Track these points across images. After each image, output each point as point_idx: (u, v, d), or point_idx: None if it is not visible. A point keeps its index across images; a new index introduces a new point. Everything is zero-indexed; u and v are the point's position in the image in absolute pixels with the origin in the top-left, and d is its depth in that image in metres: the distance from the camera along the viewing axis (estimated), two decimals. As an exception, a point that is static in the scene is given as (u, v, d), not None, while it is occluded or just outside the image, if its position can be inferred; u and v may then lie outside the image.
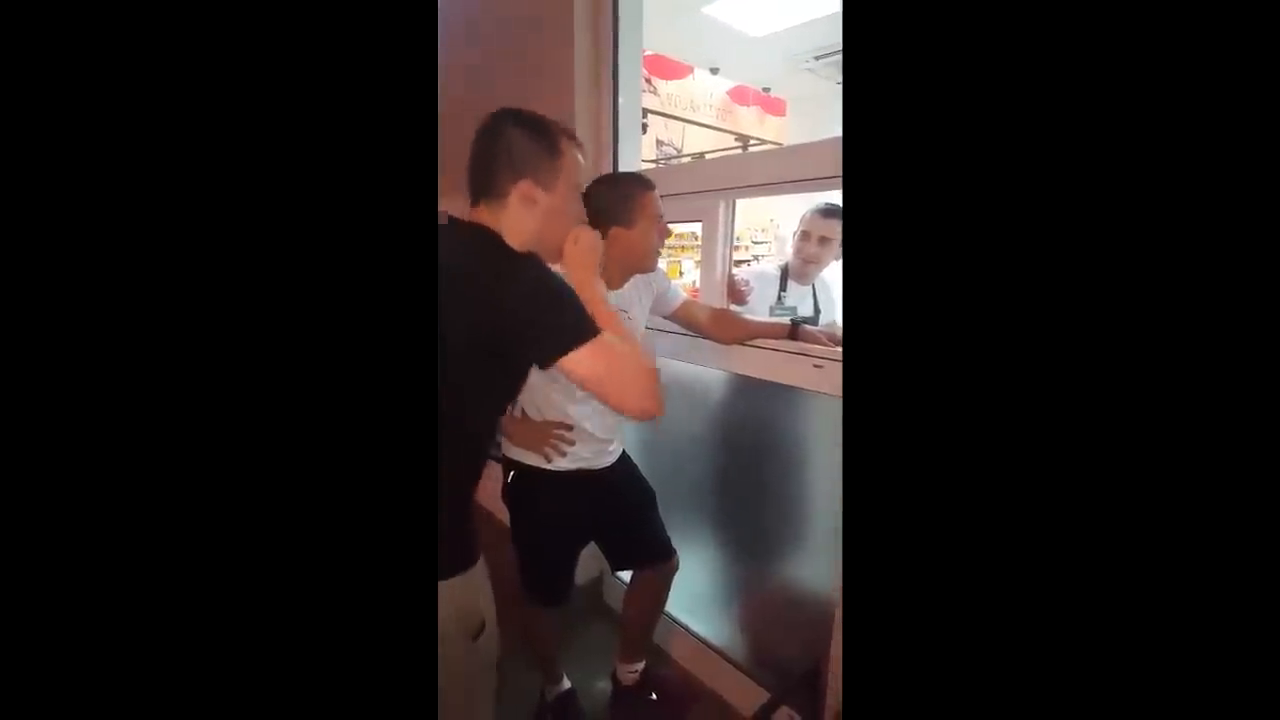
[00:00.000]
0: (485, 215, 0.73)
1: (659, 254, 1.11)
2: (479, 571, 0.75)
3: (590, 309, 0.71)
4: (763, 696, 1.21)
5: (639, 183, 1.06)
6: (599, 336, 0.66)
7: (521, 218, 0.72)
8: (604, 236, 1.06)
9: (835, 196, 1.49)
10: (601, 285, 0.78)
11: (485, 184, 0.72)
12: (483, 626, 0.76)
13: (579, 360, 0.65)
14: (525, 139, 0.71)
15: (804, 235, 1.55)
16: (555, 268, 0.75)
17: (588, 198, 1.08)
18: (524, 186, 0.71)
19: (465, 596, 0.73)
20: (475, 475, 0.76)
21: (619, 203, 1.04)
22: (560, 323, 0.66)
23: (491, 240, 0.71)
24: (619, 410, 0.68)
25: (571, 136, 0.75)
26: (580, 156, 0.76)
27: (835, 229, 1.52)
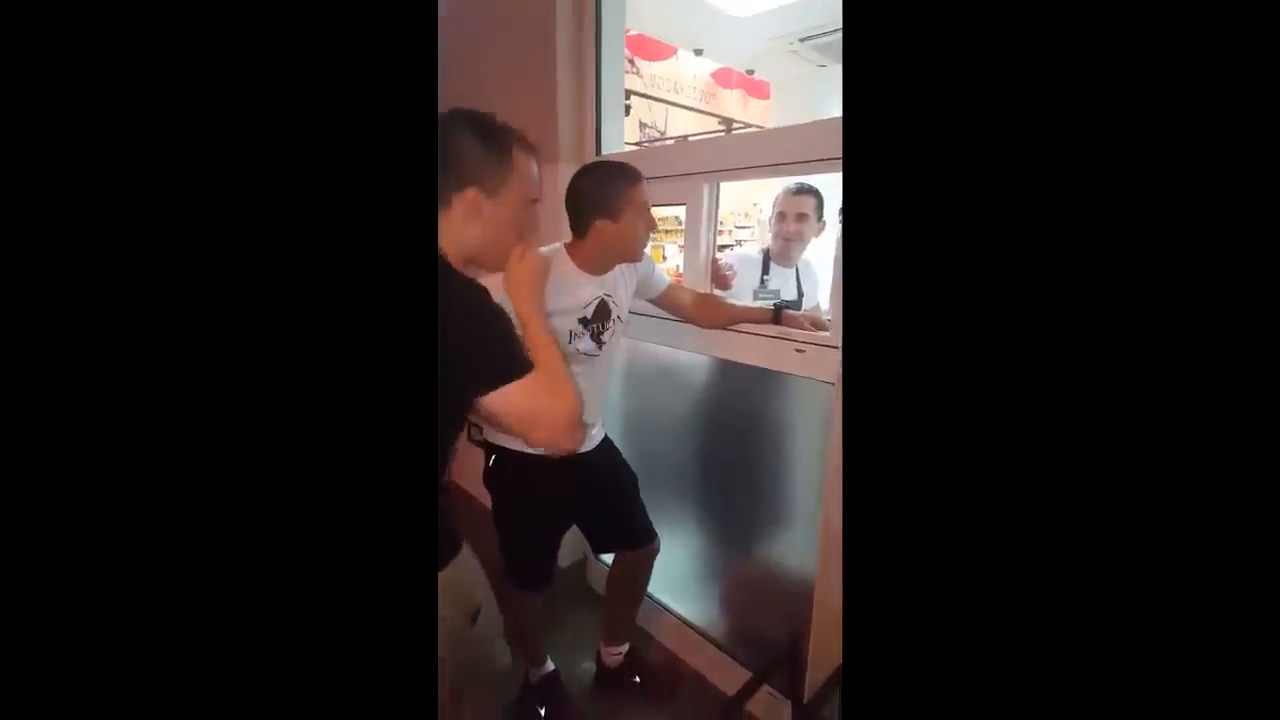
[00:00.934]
0: None
1: (645, 245, 1.09)
2: (466, 557, 0.76)
3: (527, 338, 0.70)
4: (744, 675, 1.23)
5: (626, 175, 1.03)
6: (527, 376, 0.64)
7: (463, 228, 0.68)
8: (588, 230, 1.04)
9: (813, 178, 1.50)
10: (542, 312, 0.76)
11: None
12: (479, 610, 0.76)
13: (503, 398, 0.63)
14: (474, 143, 0.66)
15: (780, 215, 1.56)
16: (496, 281, 0.72)
17: (573, 187, 1.06)
18: (469, 194, 0.66)
19: (458, 583, 0.73)
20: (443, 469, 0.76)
21: (604, 195, 1.02)
22: (488, 360, 0.63)
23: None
24: (527, 442, 0.67)
25: (525, 143, 0.71)
26: (534, 166, 0.72)
27: (809, 204, 1.53)
